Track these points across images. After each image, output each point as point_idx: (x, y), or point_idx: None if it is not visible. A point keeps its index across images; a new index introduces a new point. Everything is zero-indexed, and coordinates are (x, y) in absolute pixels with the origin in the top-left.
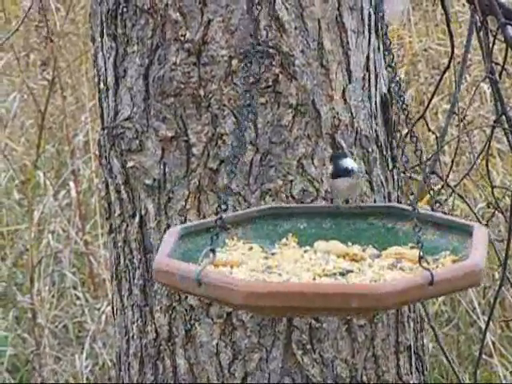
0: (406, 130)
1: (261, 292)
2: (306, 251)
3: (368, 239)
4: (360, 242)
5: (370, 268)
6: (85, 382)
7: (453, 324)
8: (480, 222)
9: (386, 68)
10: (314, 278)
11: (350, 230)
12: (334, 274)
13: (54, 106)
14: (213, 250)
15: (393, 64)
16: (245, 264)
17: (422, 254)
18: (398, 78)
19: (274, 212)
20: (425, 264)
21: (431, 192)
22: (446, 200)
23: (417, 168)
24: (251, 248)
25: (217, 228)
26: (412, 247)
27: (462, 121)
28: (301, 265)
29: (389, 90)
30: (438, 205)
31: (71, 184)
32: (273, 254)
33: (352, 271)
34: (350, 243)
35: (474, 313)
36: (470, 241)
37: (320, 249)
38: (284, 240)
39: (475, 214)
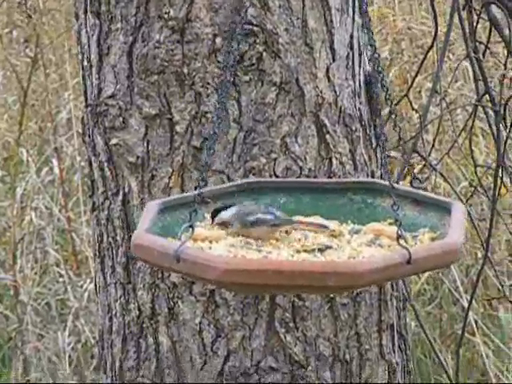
0: (387, 109)
1: (238, 269)
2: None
3: (347, 215)
4: (339, 218)
5: (349, 244)
6: (67, 359)
7: (435, 303)
8: (461, 201)
9: (365, 46)
10: (293, 255)
11: (330, 205)
12: (313, 250)
13: (37, 83)
14: (191, 226)
15: (373, 42)
16: (224, 239)
17: (399, 232)
18: (376, 55)
19: (253, 186)
20: (403, 242)
21: (409, 168)
22: (426, 178)
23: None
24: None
25: (195, 204)
26: (391, 223)
27: (442, 99)
28: (280, 240)
29: (373, 69)
30: (418, 182)
31: (54, 161)
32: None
33: (331, 247)
34: (329, 218)
35: (456, 291)
36: (449, 218)
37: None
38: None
39: (456, 192)
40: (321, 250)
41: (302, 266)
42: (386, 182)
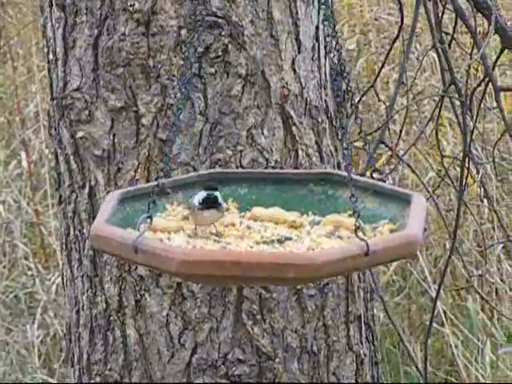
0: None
1: (195, 260)
2: (244, 217)
3: (308, 206)
4: (300, 209)
5: (309, 236)
6: (36, 352)
7: (404, 293)
8: (428, 192)
9: (326, 37)
10: (252, 246)
11: (291, 196)
12: (272, 241)
13: (5, 77)
14: (150, 217)
15: (334, 33)
16: (183, 230)
17: (358, 224)
18: (338, 47)
19: (214, 177)
20: (361, 234)
21: (369, 160)
22: (393, 169)
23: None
24: None
25: (153, 195)
26: (350, 215)
27: (408, 90)
28: (239, 231)
29: (338, 60)
30: (378, 173)
31: (22, 154)
32: None
33: (290, 239)
34: (290, 209)
35: (425, 282)
36: (409, 210)
37: (259, 215)
38: (224, 205)
39: (423, 183)
40: (280, 242)
41: (260, 257)
42: (345, 174)
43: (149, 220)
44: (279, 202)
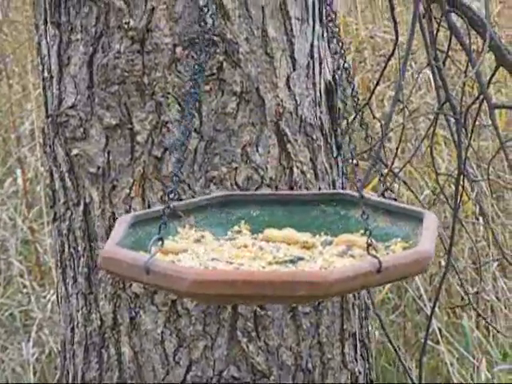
0: (353, 117)
1: (208, 280)
2: (257, 239)
3: (320, 226)
4: (312, 230)
5: (321, 255)
6: (31, 370)
7: (399, 311)
8: (423, 209)
9: (334, 55)
10: (264, 267)
11: (302, 217)
12: (285, 261)
13: (0, 94)
14: (161, 239)
15: (342, 51)
16: (195, 252)
17: (369, 240)
18: (346, 65)
19: (226, 200)
20: (373, 251)
21: (381, 179)
22: (389, 186)
23: (363, 155)
24: (203, 236)
25: (164, 217)
26: (363, 234)
27: (404, 108)
28: (252, 253)
29: (333, 78)
30: (388, 192)
31: (18, 172)
32: (224, 241)
33: (303, 259)
34: (302, 230)
35: (420, 300)
36: (421, 228)
37: (271, 236)
38: (236, 227)
39: (419, 200)
40: (292, 262)
41: (272, 276)
42: (357, 193)
43: (160, 242)
44: (291, 224)
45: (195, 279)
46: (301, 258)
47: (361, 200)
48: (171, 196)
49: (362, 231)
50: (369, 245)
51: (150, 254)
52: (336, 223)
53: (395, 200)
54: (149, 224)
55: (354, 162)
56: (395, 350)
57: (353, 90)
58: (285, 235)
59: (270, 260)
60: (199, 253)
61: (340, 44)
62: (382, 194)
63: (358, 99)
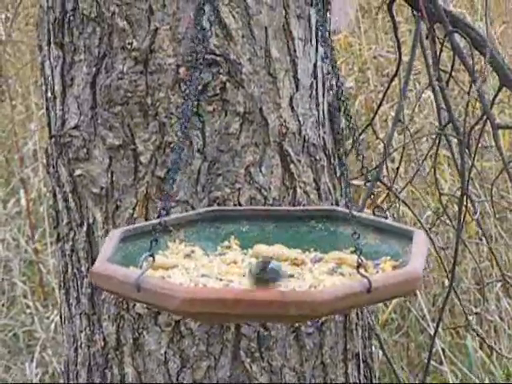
0: (351, 138)
1: (198, 298)
2: (247, 254)
3: (310, 243)
4: (302, 246)
5: (311, 273)
6: None
7: (402, 332)
8: (425, 230)
9: (327, 75)
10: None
11: (292, 233)
12: None
13: (3, 115)
14: (152, 255)
15: (336, 71)
16: (185, 267)
17: (360, 260)
18: (339, 84)
19: (216, 215)
20: (362, 271)
21: (371, 197)
22: (390, 206)
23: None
24: (193, 251)
25: (156, 233)
26: (352, 252)
27: (405, 129)
28: (241, 269)
29: (337, 98)
30: (380, 210)
31: (21, 192)
32: (214, 257)
33: (292, 276)
34: (291, 247)
35: (423, 320)
36: (411, 246)
37: (260, 252)
38: (226, 243)
39: (420, 221)
40: None
41: (262, 295)
42: (347, 210)
43: (151, 258)
44: (281, 240)
45: (185, 297)
46: (290, 275)
47: (352, 219)
48: (163, 212)
49: (352, 248)
50: (359, 264)
51: (141, 271)
52: (326, 240)
53: (385, 218)
54: (139, 238)
55: (347, 182)
56: (394, 371)
57: (346, 109)
58: (274, 251)
59: None
60: (189, 268)
61: (333, 64)
62: (373, 212)
63: (351, 117)
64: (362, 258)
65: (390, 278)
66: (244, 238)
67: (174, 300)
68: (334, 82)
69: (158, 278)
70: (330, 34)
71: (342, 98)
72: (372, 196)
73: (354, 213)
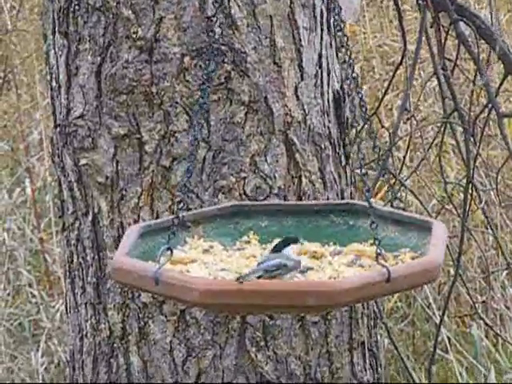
0: (361, 127)
1: (217, 290)
2: (266, 249)
3: (329, 236)
4: (321, 240)
5: (330, 265)
6: (40, 380)
7: (408, 320)
8: (431, 218)
9: (342, 64)
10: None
11: (311, 227)
12: None
13: (9, 104)
14: (170, 249)
15: (350, 61)
16: (204, 262)
17: (378, 250)
18: (354, 75)
19: (235, 210)
20: (382, 261)
21: (390, 188)
22: (395, 195)
23: (371, 164)
24: (212, 246)
25: (173, 227)
26: (372, 244)
27: (411, 117)
28: None
29: (341, 87)
30: (397, 201)
31: (26, 182)
32: (233, 252)
33: (312, 268)
34: (311, 240)
35: (429, 309)
36: (430, 237)
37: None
38: (245, 238)
39: (426, 209)
40: (302, 272)
41: (281, 286)
42: (366, 203)
43: (169, 252)
44: (300, 234)
45: (204, 289)
46: (310, 268)
47: (370, 210)
48: (180, 206)
49: (371, 241)
50: (378, 254)
51: (159, 265)
52: (345, 233)
53: (404, 209)
54: (158, 234)
55: (363, 171)
56: (402, 359)
57: (361, 99)
58: (294, 245)
59: None
60: (208, 263)
61: (348, 53)
62: (391, 204)
63: (366, 109)
64: (381, 248)
65: (409, 268)
66: (263, 233)
67: (192, 292)
68: (345, 72)
69: (176, 270)
70: (344, 24)
71: (358, 89)
72: (389, 186)
73: (374, 205)
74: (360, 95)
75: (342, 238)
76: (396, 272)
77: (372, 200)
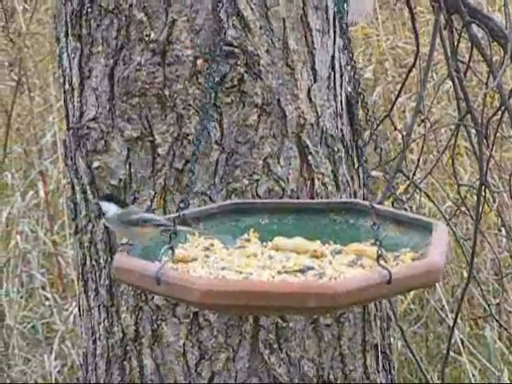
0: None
1: (218, 290)
2: (266, 247)
3: (330, 235)
4: (321, 238)
5: (331, 265)
6: (53, 382)
7: (421, 322)
8: (446, 220)
9: (345, 66)
10: (274, 276)
11: (312, 226)
12: (294, 271)
13: (22, 107)
14: (171, 248)
15: (352, 63)
16: (205, 261)
17: (379, 252)
18: (357, 77)
19: (235, 208)
20: (383, 262)
21: (392, 189)
22: (410, 197)
23: (385, 166)
24: (212, 244)
25: (175, 226)
26: (372, 244)
27: (425, 119)
28: (261, 262)
29: (354, 89)
30: (401, 202)
31: (39, 184)
32: (233, 250)
33: (312, 268)
34: (311, 239)
35: (442, 311)
36: (431, 238)
37: (280, 245)
38: (245, 236)
39: (441, 211)
40: (302, 271)
41: (282, 287)
42: (367, 202)
43: (171, 251)
44: (301, 232)
45: (205, 290)
46: (310, 268)
47: (372, 210)
48: (181, 205)
49: (372, 241)
50: (379, 256)
51: (161, 264)
52: (346, 232)
53: (405, 210)
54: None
55: (367, 173)
56: (417, 361)
57: (362, 100)
58: (294, 244)
59: (279, 269)
60: (209, 262)
61: (350, 55)
62: (392, 204)
63: (368, 111)
64: (382, 249)
65: (410, 270)
66: (263, 231)
67: (194, 292)
68: (349, 74)
69: (177, 270)
70: (347, 26)
71: (359, 90)
72: (392, 188)
73: (375, 205)
74: (362, 97)
75: (342, 237)
76: (397, 274)
77: (385, 203)
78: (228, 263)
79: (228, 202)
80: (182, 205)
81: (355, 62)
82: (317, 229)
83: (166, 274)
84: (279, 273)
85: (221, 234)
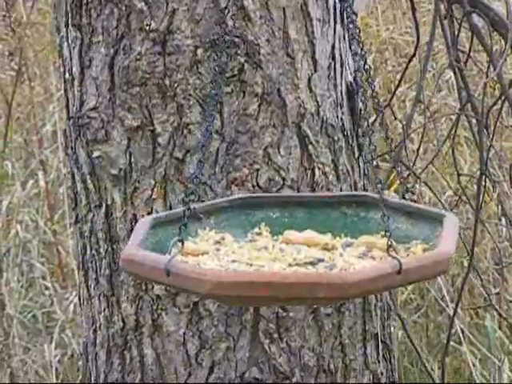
0: (375, 118)
1: (229, 281)
2: (277, 240)
3: (341, 228)
4: (333, 231)
5: (341, 257)
6: (54, 372)
7: (421, 312)
8: (445, 210)
9: (354, 56)
10: (285, 269)
11: (323, 219)
12: (305, 263)
13: (22, 96)
14: (181, 240)
15: (362, 52)
16: (215, 254)
17: (389, 242)
18: (366, 66)
19: (246, 201)
20: (393, 252)
21: (401, 180)
22: (412, 187)
23: (385, 156)
24: (223, 237)
25: (185, 218)
26: (383, 236)
27: (425, 109)
28: (272, 255)
29: (354, 79)
30: (410, 193)
31: (40, 174)
32: (244, 243)
33: (323, 260)
34: (322, 232)
35: (442, 301)
36: (441, 229)
37: (291, 238)
38: (256, 229)
39: (441, 201)
40: (312, 264)
41: (292, 278)
42: (377, 195)
43: (180, 243)
44: (311, 225)
45: (216, 281)
46: (321, 260)
47: (381, 202)
48: (191, 197)
49: (383, 233)
50: (389, 246)
51: (171, 256)
52: (356, 225)
53: (415, 201)
54: (170, 225)
55: (375, 163)
56: (417, 351)
57: (373, 91)
58: (305, 237)
59: (290, 262)
60: (219, 255)
61: (360, 45)
62: (403, 196)
63: (379, 100)
64: (392, 240)
65: (420, 260)
66: (274, 225)
67: (204, 284)
68: (357, 64)
69: (187, 262)
70: (356, 16)
71: (370, 81)
72: (401, 178)
73: (385, 197)
74: (372, 87)
75: (353, 230)
76: (407, 264)
77: (385, 192)
78: (239, 256)
79: (238, 195)
80: (191, 197)
81: (365, 53)
82: (328, 222)
83: (176, 265)
84: (290, 265)
85: (231, 228)
